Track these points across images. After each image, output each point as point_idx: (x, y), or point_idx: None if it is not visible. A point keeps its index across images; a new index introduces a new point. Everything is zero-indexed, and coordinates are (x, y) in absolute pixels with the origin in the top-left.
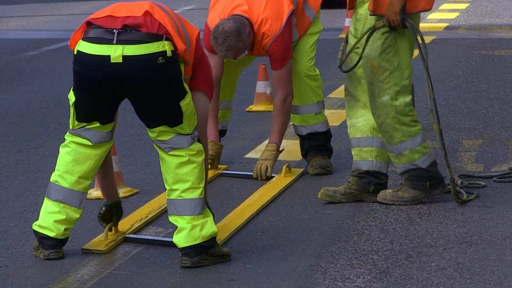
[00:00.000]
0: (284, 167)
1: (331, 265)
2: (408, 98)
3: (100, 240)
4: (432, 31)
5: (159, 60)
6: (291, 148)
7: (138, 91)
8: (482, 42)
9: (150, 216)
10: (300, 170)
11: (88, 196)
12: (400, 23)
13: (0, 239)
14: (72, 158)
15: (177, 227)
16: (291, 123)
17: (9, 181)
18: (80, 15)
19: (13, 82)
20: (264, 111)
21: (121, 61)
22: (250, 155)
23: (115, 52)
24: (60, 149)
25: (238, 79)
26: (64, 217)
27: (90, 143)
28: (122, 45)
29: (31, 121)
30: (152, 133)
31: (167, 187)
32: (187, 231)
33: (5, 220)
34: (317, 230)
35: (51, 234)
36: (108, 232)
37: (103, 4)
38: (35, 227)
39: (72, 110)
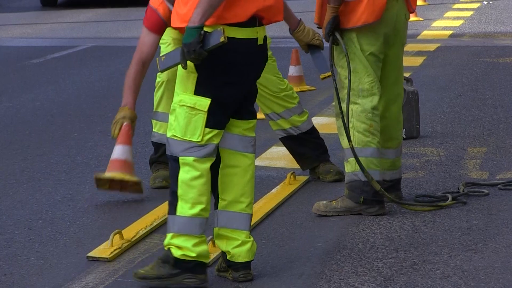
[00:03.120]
0: (288, 175)
1: (336, 272)
2: (367, 105)
3: (105, 248)
4: (437, 39)
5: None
6: None
7: (261, 73)
8: (487, 50)
9: (155, 223)
10: (305, 178)
11: (101, 176)
12: (325, 37)
13: (5, 247)
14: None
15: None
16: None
17: (14, 188)
18: (85, 22)
19: (18, 90)
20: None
21: (262, 42)
22: (255, 162)
23: (260, 34)
24: (191, 181)
25: None
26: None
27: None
28: (262, 27)
29: (36, 129)
30: (248, 124)
31: (227, 198)
32: (249, 246)
33: (10, 228)
34: (322, 237)
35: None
36: (113, 239)
37: (108, 12)
38: (190, 257)
39: (202, 118)
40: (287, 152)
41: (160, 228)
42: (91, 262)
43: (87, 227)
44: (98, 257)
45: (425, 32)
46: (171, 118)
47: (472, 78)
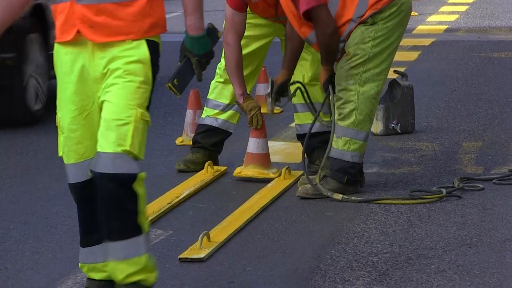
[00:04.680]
0: (283, 170)
1: (331, 267)
2: (373, 90)
3: None
4: (432, 33)
5: None
6: (291, 150)
7: None
8: (481, 45)
9: (150, 218)
10: (300, 172)
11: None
12: (323, 88)
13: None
14: None
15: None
16: (293, 124)
17: (9, 183)
18: None
19: None
20: (265, 112)
21: None
22: None
23: None
24: (144, 192)
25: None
26: None
27: None
28: None
29: (31, 123)
30: None
31: None
32: None
33: (5, 223)
34: (317, 232)
35: None
36: None
37: None
38: None
39: (147, 129)
40: (282, 147)
41: (156, 223)
42: None
43: None
44: None
45: (420, 27)
46: (126, 130)
47: (467, 73)
